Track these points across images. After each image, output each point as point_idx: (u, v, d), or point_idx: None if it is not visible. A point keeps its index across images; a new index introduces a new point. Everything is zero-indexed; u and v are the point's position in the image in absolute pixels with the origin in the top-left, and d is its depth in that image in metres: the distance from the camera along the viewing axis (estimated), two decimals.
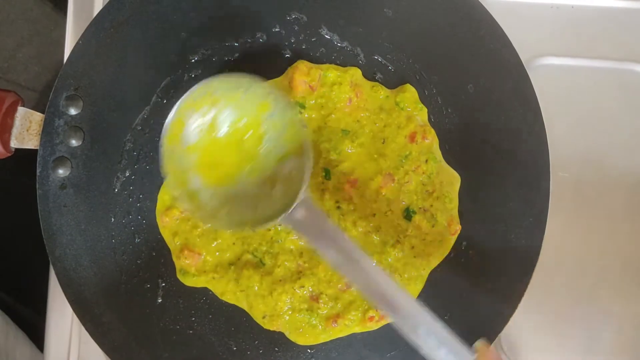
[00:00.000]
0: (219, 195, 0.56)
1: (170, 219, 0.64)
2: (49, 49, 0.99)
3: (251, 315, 0.63)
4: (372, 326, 0.63)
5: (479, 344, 0.51)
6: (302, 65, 0.65)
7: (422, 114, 0.66)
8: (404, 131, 0.65)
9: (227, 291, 0.63)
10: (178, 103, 0.54)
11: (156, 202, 0.65)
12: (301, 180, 0.53)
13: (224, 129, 0.56)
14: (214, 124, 0.56)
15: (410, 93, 0.66)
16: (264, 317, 0.63)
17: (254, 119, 0.56)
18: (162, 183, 0.64)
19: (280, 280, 0.63)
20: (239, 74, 0.56)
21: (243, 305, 0.63)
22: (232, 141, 0.56)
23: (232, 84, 0.55)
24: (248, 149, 0.56)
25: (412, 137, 0.65)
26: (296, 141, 0.55)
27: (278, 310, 0.62)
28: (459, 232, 0.64)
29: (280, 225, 0.60)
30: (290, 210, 0.53)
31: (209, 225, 0.62)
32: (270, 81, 0.66)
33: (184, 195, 0.55)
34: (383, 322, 0.63)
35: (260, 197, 0.56)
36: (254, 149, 0.56)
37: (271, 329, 0.63)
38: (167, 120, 0.54)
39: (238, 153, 0.56)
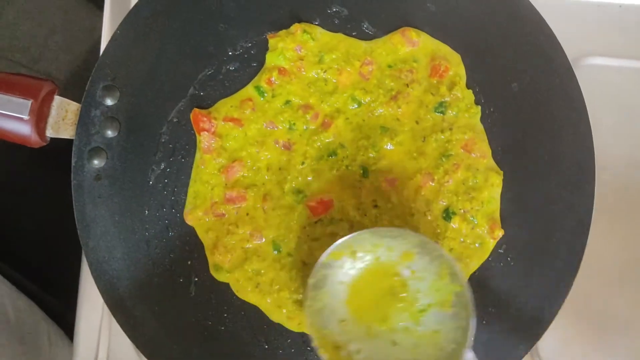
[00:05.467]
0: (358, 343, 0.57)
1: (197, 218, 0.63)
2: (79, 37, 0.99)
3: (285, 322, 0.62)
4: None
5: None
6: None
7: None
8: None
9: None
10: (320, 259, 0.56)
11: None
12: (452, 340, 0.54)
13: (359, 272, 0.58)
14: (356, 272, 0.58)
15: None
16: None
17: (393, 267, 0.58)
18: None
19: None
20: (387, 228, 0.59)
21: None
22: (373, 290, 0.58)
23: (376, 236, 0.57)
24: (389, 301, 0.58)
25: None
26: (445, 293, 0.56)
27: None
28: (500, 236, 0.62)
29: None
30: None
31: None
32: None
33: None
34: None
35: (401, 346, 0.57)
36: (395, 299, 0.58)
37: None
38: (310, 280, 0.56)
39: (378, 303, 0.58)
